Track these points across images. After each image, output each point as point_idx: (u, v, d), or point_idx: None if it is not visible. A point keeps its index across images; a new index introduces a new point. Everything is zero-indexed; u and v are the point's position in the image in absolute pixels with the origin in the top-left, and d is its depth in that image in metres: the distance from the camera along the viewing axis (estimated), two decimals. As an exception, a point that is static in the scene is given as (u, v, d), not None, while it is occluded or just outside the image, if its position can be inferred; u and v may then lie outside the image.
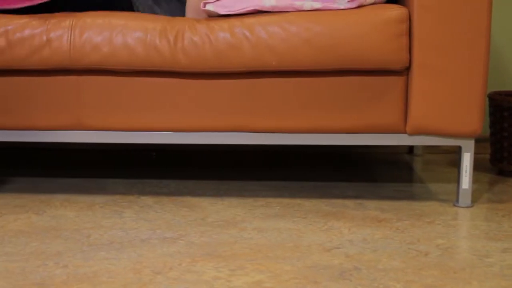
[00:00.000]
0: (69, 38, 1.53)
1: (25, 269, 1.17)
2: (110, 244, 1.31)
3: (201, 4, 1.55)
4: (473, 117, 1.50)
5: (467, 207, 1.57)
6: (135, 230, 1.40)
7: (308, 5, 1.52)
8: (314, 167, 2.07)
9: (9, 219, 1.49)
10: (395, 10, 1.48)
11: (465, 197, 1.57)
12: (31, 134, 1.61)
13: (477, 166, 2.01)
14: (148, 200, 1.66)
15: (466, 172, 1.54)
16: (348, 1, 1.51)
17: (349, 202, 1.62)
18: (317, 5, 1.52)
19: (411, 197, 1.67)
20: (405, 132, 1.54)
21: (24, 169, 2.07)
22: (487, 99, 2.04)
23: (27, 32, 1.53)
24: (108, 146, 2.38)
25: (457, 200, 1.58)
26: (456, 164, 2.11)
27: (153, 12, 1.65)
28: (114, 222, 1.46)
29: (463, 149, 1.54)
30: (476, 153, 2.12)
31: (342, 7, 1.51)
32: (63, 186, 1.81)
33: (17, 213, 1.54)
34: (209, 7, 1.54)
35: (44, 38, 1.52)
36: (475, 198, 1.65)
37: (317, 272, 1.14)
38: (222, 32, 1.51)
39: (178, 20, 1.54)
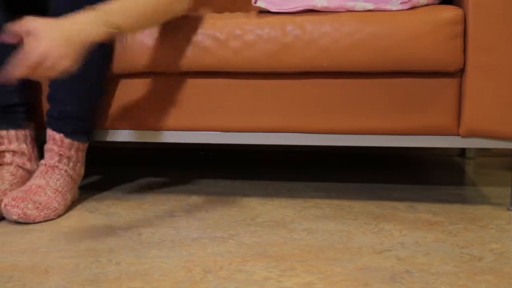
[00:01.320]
0: (121, 40, 1.56)
1: (79, 265, 1.19)
2: (161, 242, 1.32)
3: (252, 0, 1.55)
4: (529, 119, 1.47)
5: (522, 211, 1.54)
6: (186, 229, 1.41)
7: (360, 6, 1.51)
8: (363, 169, 2.05)
9: (63, 216, 1.52)
10: (450, 12, 1.46)
11: (519, 201, 1.54)
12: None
13: (532, 170, 1.98)
14: (197, 199, 1.67)
15: (521, 176, 1.51)
16: (401, 3, 1.49)
17: (399, 205, 1.60)
18: (369, 6, 1.51)
19: (463, 200, 1.64)
20: (458, 134, 1.52)
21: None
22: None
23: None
24: (159, 145, 2.41)
25: (511, 204, 1.55)
26: (510, 167, 2.07)
27: None
28: (165, 220, 1.48)
29: (518, 152, 1.51)
30: (530, 156, 2.08)
31: (395, 8, 1.50)
32: (114, 184, 1.84)
33: (70, 210, 1.56)
34: (260, 4, 1.54)
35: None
36: (530, 203, 1.62)
37: (368, 275, 1.14)
38: (273, 32, 1.51)
39: (227, 19, 1.54)
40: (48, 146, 1.55)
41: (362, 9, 1.51)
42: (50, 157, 1.54)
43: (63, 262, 1.21)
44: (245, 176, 1.94)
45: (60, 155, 1.54)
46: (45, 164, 1.53)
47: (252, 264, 1.19)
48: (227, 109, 1.57)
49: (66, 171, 1.54)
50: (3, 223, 1.46)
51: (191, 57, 1.54)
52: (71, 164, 1.55)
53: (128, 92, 1.60)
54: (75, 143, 1.56)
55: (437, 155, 2.28)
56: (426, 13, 1.47)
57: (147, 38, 1.55)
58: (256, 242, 1.32)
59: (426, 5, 1.52)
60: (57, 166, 1.53)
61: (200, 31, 1.53)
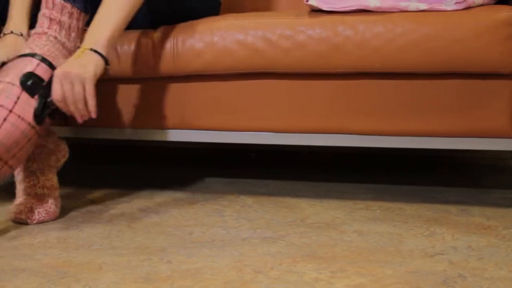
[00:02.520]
0: (172, 46, 1.57)
1: (131, 263, 1.21)
2: (212, 241, 1.33)
3: None
4: None
5: None
6: (236, 229, 1.42)
7: (413, 6, 1.49)
8: (414, 171, 2.03)
9: (115, 214, 1.54)
10: (506, 12, 1.43)
11: None
12: (143, 132, 1.66)
13: None
14: (247, 199, 1.68)
15: None
16: (456, 3, 1.47)
17: (452, 208, 1.58)
18: (423, 6, 1.49)
19: (518, 204, 1.61)
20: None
21: (127, 166, 2.14)
22: None
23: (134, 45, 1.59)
24: (208, 145, 2.43)
25: None
26: None
27: None
28: (215, 220, 1.49)
29: None
30: None
31: (449, 8, 1.48)
32: (166, 183, 1.86)
33: (122, 209, 1.59)
34: (312, 2, 1.54)
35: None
36: None
37: (419, 278, 1.12)
38: (324, 32, 1.50)
39: (278, 19, 1.54)
40: (39, 12, 1.44)
41: (415, 9, 1.49)
42: (39, 25, 1.43)
43: (116, 260, 1.23)
44: (295, 177, 1.94)
45: (50, 19, 1.42)
46: (34, 33, 1.44)
47: (302, 265, 1.19)
48: (277, 110, 1.57)
49: (55, 37, 1.42)
50: (57, 220, 1.49)
51: (242, 58, 1.54)
52: (63, 32, 1.43)
53: (181, 93, 1.61)
54: (68, 5, 1.43)
55: (490, 158, 2.24)
56: (481, 13, 1.45)
57: (198, 42, 1.56)
58: (306, 243, 1.32)
59: (481, 5, 1.50)
60: (45, 33, 1.42)
61: (251, 32, 1.54)
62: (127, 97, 1.65)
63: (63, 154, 1.59)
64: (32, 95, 1.35)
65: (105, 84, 1.61)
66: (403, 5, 1.49)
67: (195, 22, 1.59)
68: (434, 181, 1.87)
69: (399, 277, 1.13)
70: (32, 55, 1.38)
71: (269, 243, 1.32)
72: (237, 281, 1.11)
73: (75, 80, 1.33)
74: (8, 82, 1.34)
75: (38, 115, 1.35)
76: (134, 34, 1.60)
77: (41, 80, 1.36)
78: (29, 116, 1.34)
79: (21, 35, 1.49)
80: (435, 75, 1.49)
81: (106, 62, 1.38)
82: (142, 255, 1.26)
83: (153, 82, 1.62)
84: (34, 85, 1.35)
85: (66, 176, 1.95)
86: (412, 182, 1.86)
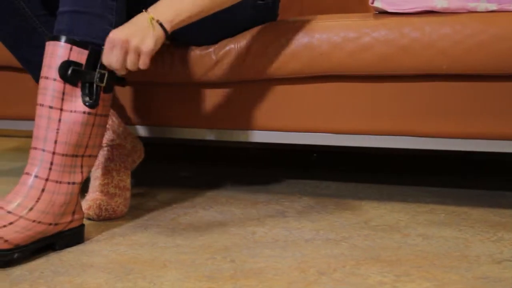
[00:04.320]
0: (239, 52, 1.58)
1: (195, 261, 1.22)
2: (274, 242, 1.34)
3: (370, 0, 1.53)
4: None
5: None
6: (298, 230, 1.42)
7: (482, 7, 1.46)
8: (479, 175, 1.99)
9: (179, 212, 1.56)
10: None
11: None
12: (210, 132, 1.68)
13: None
14: (310, 200, 1.68)
15: None
16: (527, 2, 1.44)
17: (519, 213, 1.54)
18: (493, 7, 1.46)
19: None
20: None
21: (190, 166, 2.16)
22: None
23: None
24: (270, 145, 2.44)
25: None
26: None
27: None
28: (278, 220, 1.49)
29: None
30: None
31: (519, 8, 1.44)
32: (229, 183, 1.88)
33: (186, 208, 1.61)
34: (377, 4, 1.52)
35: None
36: None
37: (487, 284, 1.10)
38: (390, 33, 1.49)
39: (342, 21, 1.54)
40: None
41: (484, 10, 1.46)
42: None
43: (180, 258, 1.24)
44: (357, 179, 1.93)
45: None
46: None
47: (366, 267, 1.18)
48: (342, 112, 1.56)
49: None
50: (123, 217, 1.52)
51: (306, 61, 1.54)
52: None
53: (251, 95, 1.62)
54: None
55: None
56: (554, 14, 1.41)
57: (256, 44, 1.56)
58: (369, 246, 1.31)
59: (554, 5, 1.46)
60: None
61: (316, 35, 1.53)
62: (198, 99, 1.66)
63: (138, 155, 1.61)
64: (75, 84, 1.27)
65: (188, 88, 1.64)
66: (471, 5, 1.46)
67: (260, 28, 1.59)
68: (500, 186, 1.82)
69: (465, 283, 1.11)
70: (56, 37, 1.28)
71: (332, 245, 1.31)
72: (300, 282, 1.11)
73: (132, 51, 1.27)
74: (47, 78, 1.27)
75: (89, 101, 1.29)
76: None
77: (80, 65, 1.28)
78: (80, 105, 1.27)
79: None
80: (504, 77, 1.45)
81: (167, 37, 1.31)
82: (206, 253, 1.27)
83: (219, 86, 1.63)
84: (74, 73, 1.27)
85: (132, 175, 1.98)
86: (475, 186, 1.82)
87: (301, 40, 1.55)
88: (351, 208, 1.60)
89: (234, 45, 1.58)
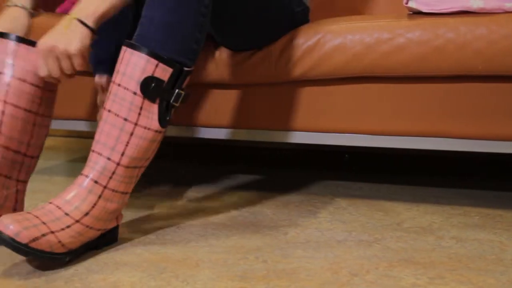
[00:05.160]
0: (271, 55, 1.58)
1: (227, 261, 1.23)
2: (306, 243, 1.34)
3: (404, 0, 1.52)
4: None
5: None
6: (331, 231, 1.42)
7: (519, 7, 1.45)
8: (510, 178, 1.97)
9: (211, 212, 1.57)
10: None
11: None
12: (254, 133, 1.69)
13: None
14: (342, 201, 1.67)
15: None
16: None
17: (556, 216, 1.52)
18: (529, 7, 1.44)
19: None
20: None
21: (221, 166, 2.17)
22: None
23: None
24: (301, 146, 2.43)
25: None
26: None
27: None
28: (310, 221, 1.49)
29: None
30: None
31: (557, 8, 1.42)
32: (261, 183, 1.88)
33: (218, 208, 1.61)
34: (412, 4, 1.51)
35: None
36: None
37: (522, 288, 1.09)
38: (424, 34, 1.47)
39: (375, 22, 1.53)
40: None
41: (521, 11, 1.44)
42: None
43: (213, 257, 1.25)
44: (388, 181, 1.91)
45: None
46: None
47: (399, 269, 1.18)
48: (375, 113, 1.55)
49: None
50: (155, 216, 1.53)
51: (338, 62, 1.53)
52: None
53: (284, 96, 1.62)
54: None
55: None
56: None
57: (290, 46, 1.56)
58: (402, 248, 1.30)
59: None
60: None
61: (349, 36, 1.53)
62: (233, 101, 1.67)
63: None
64: (154, 101, 1.26)
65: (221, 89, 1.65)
66: (508, 5, 1.45)
67: (293, 31, 1.59)
68: (536, 188, 1.80)
69: (501, 286, 1.09)
70: (141, 48, 1.25)
71: (364, 246, 1.31)
72: (333, 283, 1.11)
73: (62, 56, 1.26)
74: (126, 88, 1.25)
75: (163, 119, 1.28)
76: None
77: (162, 82, 1.26)
78: (155, 124, 1.26)
79: (24, 8, 1.40)
80: (540, 79, 1.43)
81: (94, 32, 1.28)
82: (238, 253, 1.27)
83: (254, 87, 1.63)
84: (155, 90, 1.25)
85: (164, 175, 2.00)
86: (510, 189, 1.80)
87: (333, 41, 1.54)
88: (383, 209, 1.59)
89: (270, 49, 1.58)
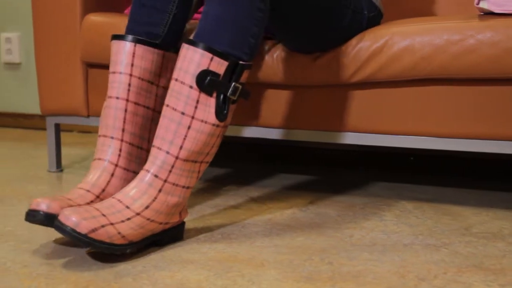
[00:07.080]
0: (334, 55, 1.57)
1: (292, 262, 1.23)
2: (372, 245, 1.32)
3: (475, 1, 1.49)
4: None
5: None
6: (397, 234, 1.40)
7: None
8: None
9: (276, 213, 1.57)
10: None
11: None
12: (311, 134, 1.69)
13: None
14: (407, 204, 1.65)
15: None
16: None
17: None
18: None
19: None
20: None
21: (284, 166, 2.17)
22: None
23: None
24: (365, 148, 2.41)
25: None
26: None
27: None
28: (375, 224, 1.48)
29: None
30: None
31: None
32: (326, 184, 1.87)
33: (283, 208, 1.62)
34: (483, 5, 1.48)
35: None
36: None
37: None
38: (496, 35, 1.44)
39: (445, 23, 1.50)
40: None
41: None
42: None
43: (278, 258, 1.25)
44: (455, 184, 1.88)
45: None
46: None
47: (468, 275, 1.15)
48: (442, 115, 1.53)
49: None
50: (221, 216, 1.54)
51: (407, 64, 1.52)
52: None
53: (351, 97, 1.61)
54: None
55: None
56: None
57: (358, 48, 1.55)
58: (471, 253, 1.27)
59: None
60: None
61: (417, 38, 1.51)
62: (295, 102, 1.67)
63: None
64: (210, 94, 1.27)
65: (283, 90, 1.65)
66: None
67: (361, 33, 1.58)
68: None
69: None
70: (196, 43, 1.26)
71: (432, 251, 1.29)
72: (399, 287, 1.10)
73: None
74: (182, 83, 1.27)
75: (221, 113, 1.28)
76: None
77: (217, 75, 1.27)
78: (212, 117, 1.27)
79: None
80: None
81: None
82: (303, 254, 1.27)
83: (318, 89, 1.63)
84: (211, 83, 1.26)
85: (229, 174, 2.01)
86: None
87: (401, 43, 1.52)
88: (450, 213, 1.56)
89: (336, 51, 1.57)
